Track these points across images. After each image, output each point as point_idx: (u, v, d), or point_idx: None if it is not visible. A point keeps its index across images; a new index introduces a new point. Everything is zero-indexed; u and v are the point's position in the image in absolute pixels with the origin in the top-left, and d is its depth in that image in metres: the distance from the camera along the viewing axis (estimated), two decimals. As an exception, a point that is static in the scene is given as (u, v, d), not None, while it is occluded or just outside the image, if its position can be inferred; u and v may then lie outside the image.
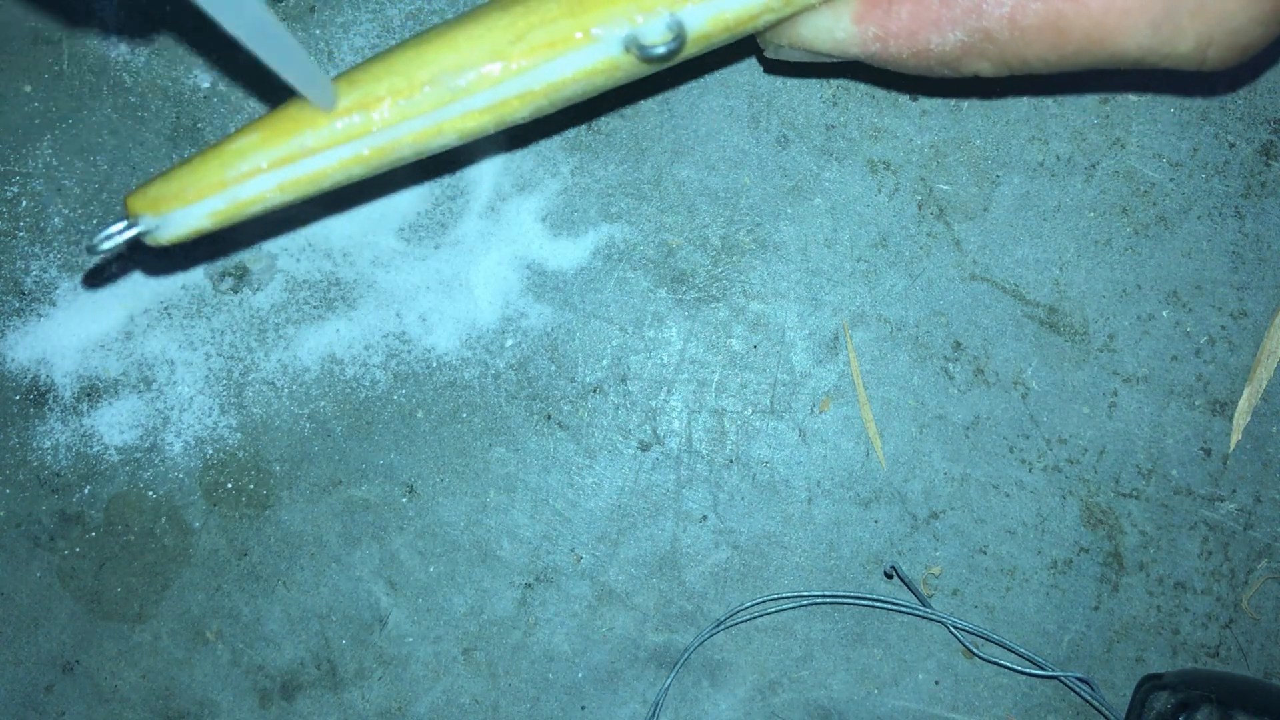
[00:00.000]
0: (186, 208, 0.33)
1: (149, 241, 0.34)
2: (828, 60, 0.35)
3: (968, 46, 0.32)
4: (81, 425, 0.44)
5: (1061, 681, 0.44)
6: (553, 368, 0.45)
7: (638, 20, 0.32)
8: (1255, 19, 0.31)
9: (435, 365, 0.44)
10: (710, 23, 0.33)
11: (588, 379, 0.45)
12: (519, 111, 0.34)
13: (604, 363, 0.45)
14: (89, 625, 0.44)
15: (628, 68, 0.33)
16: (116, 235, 0.33)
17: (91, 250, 0.33)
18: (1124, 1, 0.31)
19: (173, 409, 0.44)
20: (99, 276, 0.43)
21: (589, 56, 0.33)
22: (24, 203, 0.44)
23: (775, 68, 0.44)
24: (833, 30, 0.33)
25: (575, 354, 0.45)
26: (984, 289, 0.44)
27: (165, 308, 0.44)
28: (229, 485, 0.44)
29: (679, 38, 0.33)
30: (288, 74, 0.30)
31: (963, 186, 0.44)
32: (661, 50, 0.33)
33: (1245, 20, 0.31)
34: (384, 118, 0.33)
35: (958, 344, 0.44)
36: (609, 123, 0.44)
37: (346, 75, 0.33)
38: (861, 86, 0.44)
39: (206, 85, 0.44)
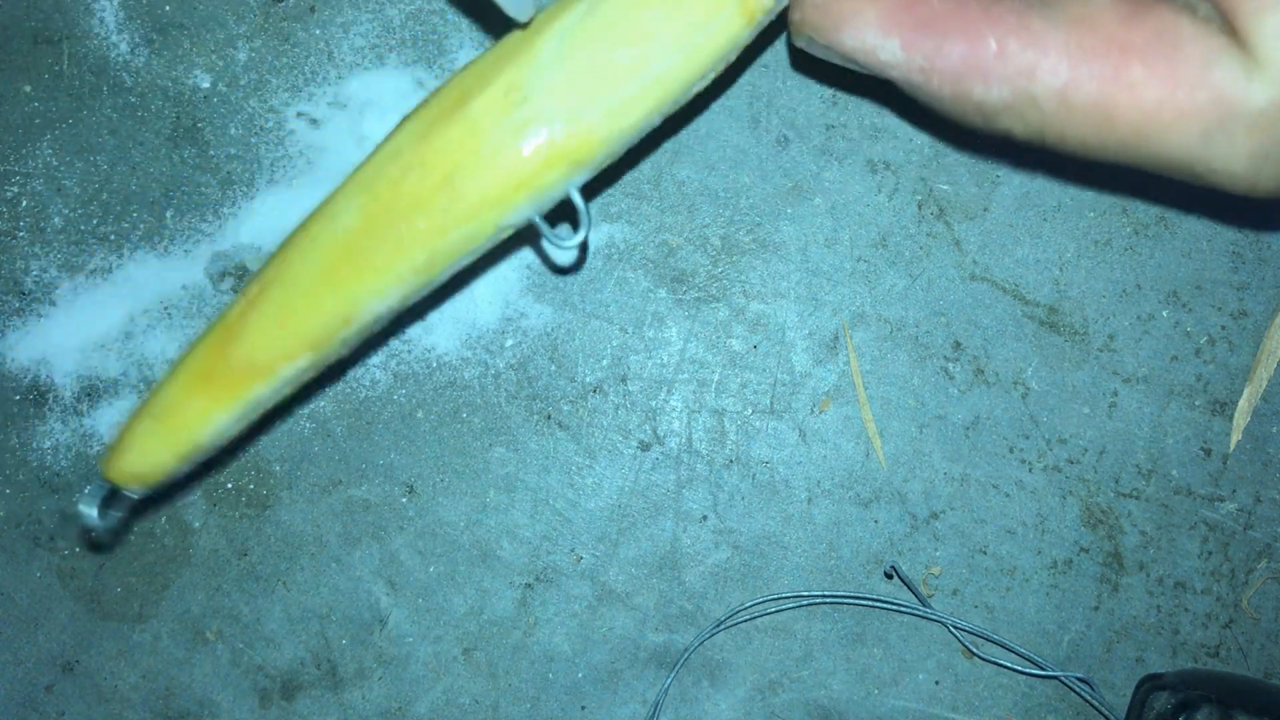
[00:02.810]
0: (171, 474, 0.36)
1: (140, 497, 0.37)
2: (857, 71, 0.34)
3: (1010, 107, 0.31)
4: (81, 425, 0.44)
5: (1061, 681, 0.44)
6: (553, 368, 0.45)
7: (541, 201, 0.33)
8: None
9: (435, 365, 0.44)
10: (599, 170, 0.34)
11: (588, 379, 0.45)
12: (442, 282, 0.36)
13: (604, 363, 0.45)
14: (89, 625, 0.44)
15: (551, 241, 0.34)
16: (111, 508, 0.36)
17: (95, 528, 0.36)
18: (1180, 102, 0.28)
19: (173, 409, 0.44)
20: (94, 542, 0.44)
21: (500, 237, 0.34)
22: (24, 203, 0.44)
23: (797, 59, 0.44)
24: (878, 50, 0.32)
25: (575, 354, 0.45)
26: (984, 289, 0.44)
27: (165, 308, 0.44)
28: (229, 485, 0.44)
29: (581, 206, 0.34)
30: None
31: (963, 186, 0.44)
32: (573, 240, 0.34)
33: None
34: (325, 352, 0.35)
35: (958, 344, 0.44)
36: (609, 123, 0.44)
37: (270, 319, 0.34)
38: (862, 86, 0.44)
39: (206, 85, 0.44)
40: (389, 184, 0.33)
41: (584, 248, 0.41)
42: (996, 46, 0.30)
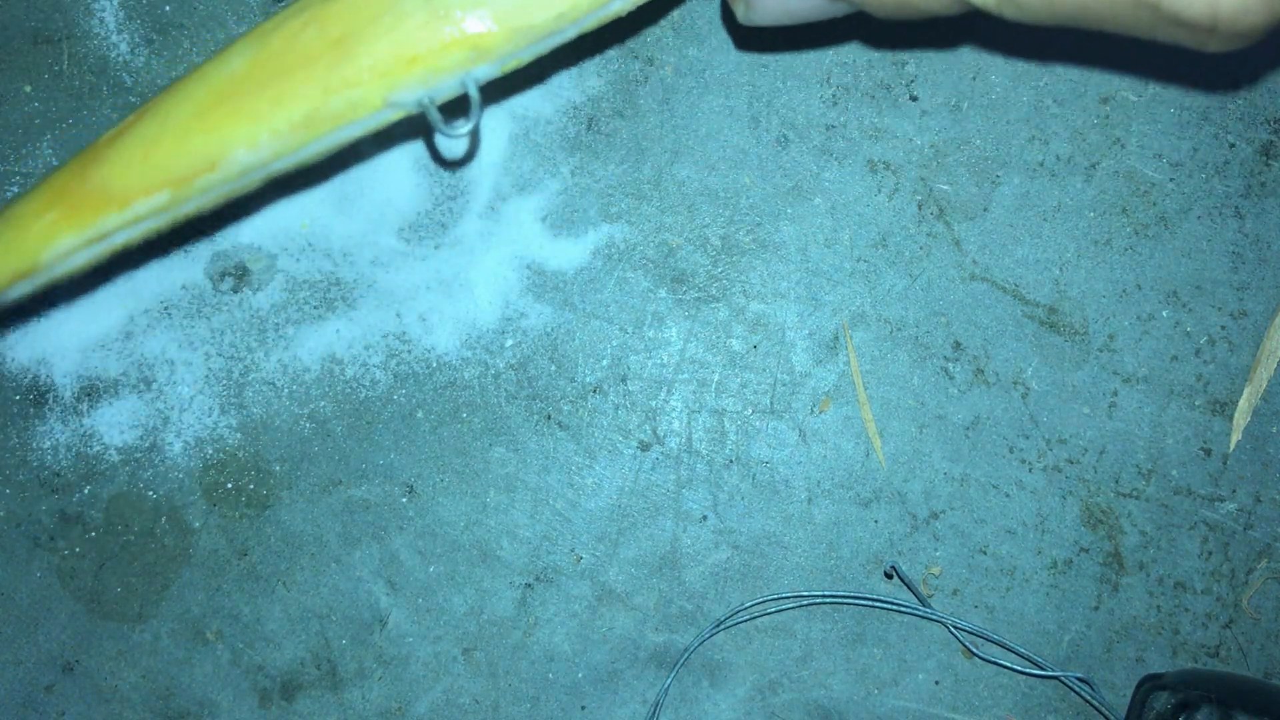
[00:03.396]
0: (4, 291, 0.34)
1: None
2: (806, 10, 0.33)
3: None
4: (81, 425, 0.44)
5: (1061, 681, 0.44)
6: (553, 368, 0.45)
7: (431, 82, 0.32)
8: None
9: (435, 365, 0.44)
10: (503, 71, 0.33)
11: (588, 379, 0.45)
12: (322, 158, 0.34)
13: (604, 363, 0.45)
14: (89, 625, 0.44)
15: (436, 126, 0.33)
16: None
17: None
18: None
19: (173, 409, 0.44)
20: None
21: (385, 116, 0.33)
22: (24, 203, 0.44)
23: (753, 40, 0.43)
24: None
25: (575, 354, 0.45)
26: (984, 289, 0.44)
27: (165, 308, 0.44)
28: (229, 485, 0.44)
29: (476, 99, 0.32)
30: None
31: (963, 186, 0.44)
32: (463, 128, 0.32)
33: None
34: (184, 193, 0.33)
35: (958, 344, 0.44)
36: (609, 123, 0.44)
37: (136, 148, 0.33)
38: (862, 86, 0.44)
39: (206, 85, 0.44)
40: (284, 36, 0.32)
41: (473, 137, 0.39)
42: None
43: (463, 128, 0.32)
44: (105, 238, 0.33)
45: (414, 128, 0.41)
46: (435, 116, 0.32)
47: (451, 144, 0.40)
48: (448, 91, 0.32)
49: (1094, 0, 0.29)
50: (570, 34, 0.33)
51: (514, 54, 0.32)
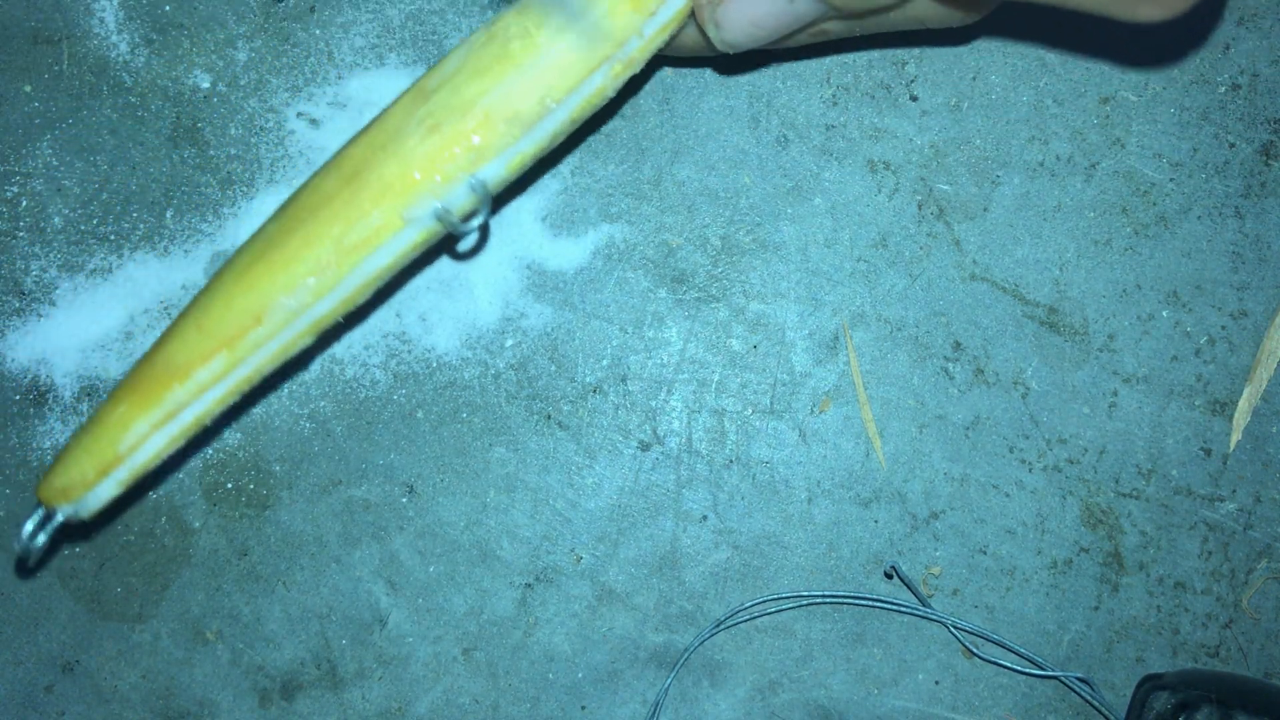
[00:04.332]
0: (94, 489, 0.35)
1: (72, 520, 0.36)
2: (778, 21, 0.33)
3: None
4: (81, 425, 0.44)
5: (1061, 681, 0.44)
6: (553, 368, 0.45)
7: (441, 192, 0.33)
8: None
9: (435, 365, 0.44)
10: (509, 168, 0.34)
11: (588, 379, 0.45)
12: (363, 296, 0.35)
13: (604, 363, 0.45)
14: (89, 625, 0.44)
15: (450, 227, 0.34)
16: (43, 530, 0.35)
17: (27, 552, 0.35)
18: None
19: (173, 409, 0.44)
20: (27, 568, 0.43)
21: (408, 237, 0.34)
22: (24, 202, 0.44)
23: (738, 64, 0.43)
24: None
25: (575, 354, 0.45)
26: (984, 289, 0.44)
27: (165, 307, 0.44)
28: (229, 485, 0.44)
29: (484, 196, 0.34)
30: None
31: (963, 186, 0.44)
32: (473, 223, 0.34)
33: None
34: (240, 353, 0.34)
35: (958, 344, 0.44)
36: (609, 123, 0.44)
37: (190, 322, 0.34)
38: (862, 86, 0.44)
39: (206, 85, 0.44)
40: (307, 189, 0.34)
41: (484, 231, 0.41)
42: None
43: (472, 223, 0.34)
44: (175, 415, 0.35)
45: (438, 249, 0.43)
46: (452, 220, 0.33)
47: (463, 239, 0.42)
48: (461, 198, 0.34)
49: None
50: (563, 121, 0.34)
51: (512, 149, 0.33)
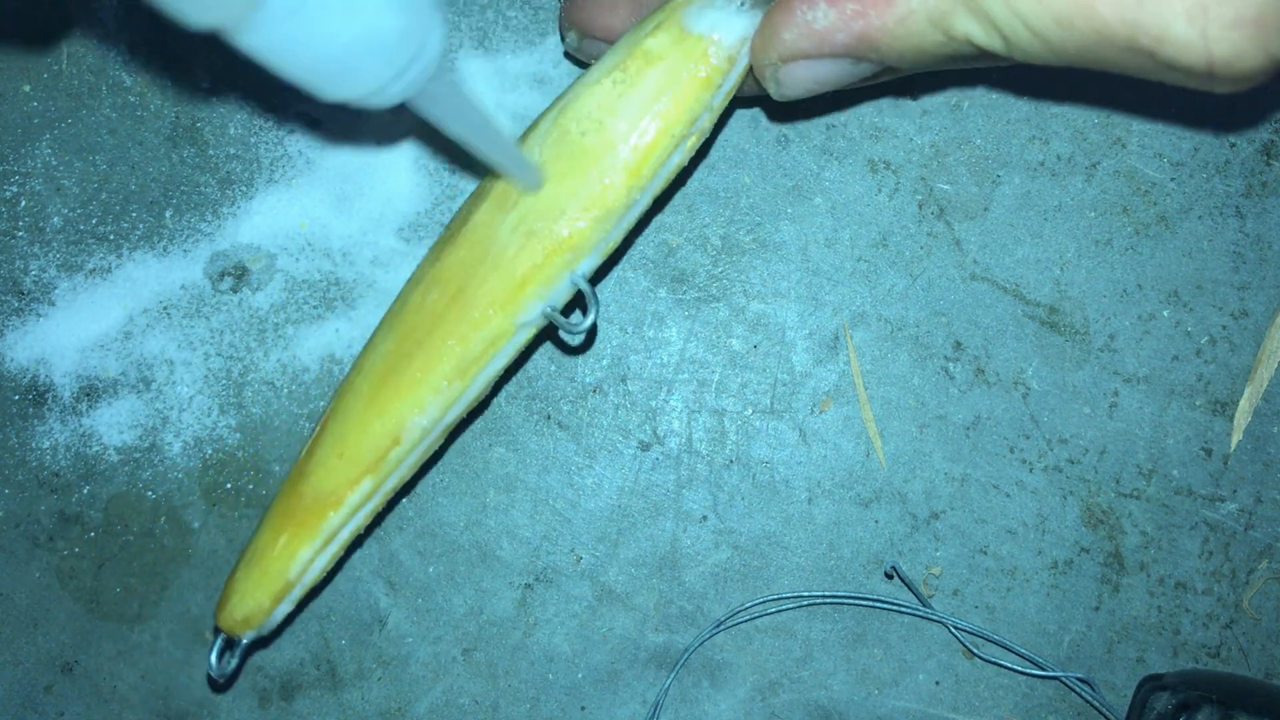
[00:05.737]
0: (271, 615, 0.38)
1: (254, 640, 0.39)
2: (833, 76, 0.34)
3: (955, 5, 0.30)
4: (80, 425, 0.44)
5: (1062, 682, 0.44)
6: (553, 368, 0.45)
7: (546, 294, 0.35)
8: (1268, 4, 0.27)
9: (435, 365, 0.44)
10: (602, 256, 0.36)
11: (588, 379, 0.45)
12: (485, 392, 0.38)
13: (604, 362, 0.45)
14: (88, 625, 0.44)
15: (561, 326, 0.36)
16: (233, 659, 0.39)
17: (224, 676, 0.39)
18: None
19: (172, 409, 0.44)
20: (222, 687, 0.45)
21: (521, 338, 0.36)
22: (23, 202, 0.44)
23: (787, 112, 0.44)
24: (813, 21, 0.32)
25: (575, 354, 0.45)
26: (984, 289, 0.44)
27: (164, 307, 0.44)
28: (228, 485, 0.44)
29: (590, 294, 0.35)
30: (500, 163, 0.34)
31: (963, 186, 0.44)
32: (584, 323, 0.35)
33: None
34: (384, 472, 0.37)
35: (958, 344, 0.44)
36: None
37: (330, 451, 0.37)
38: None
39: (206, 85, 0.44)
40: (412, 308, 0.36)
41: (593, 330, 0.44)
42: None
43: (583, 324, 0.35)
44: (334, 537, 0.38)
45: (545, 333, 0.44)
46: (559, 320, 0.35)
47: (572, 338, 0.44)
48: (563, 294, 0.36)
49: (1096, 45, 0.30)
50: (648, 202, 0.36)
51: (605, 241, 0.35)
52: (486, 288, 0.35)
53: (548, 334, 0.44)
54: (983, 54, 0.32)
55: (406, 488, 0.42)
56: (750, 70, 0.35)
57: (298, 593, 0.38)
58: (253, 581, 0.38)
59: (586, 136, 0.34)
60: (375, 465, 0.36)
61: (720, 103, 0.35)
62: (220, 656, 0.39)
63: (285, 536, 0.37)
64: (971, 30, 0.31)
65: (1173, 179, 0.44)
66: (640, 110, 0.33)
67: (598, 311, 0.35)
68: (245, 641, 0.39)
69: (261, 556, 0.37)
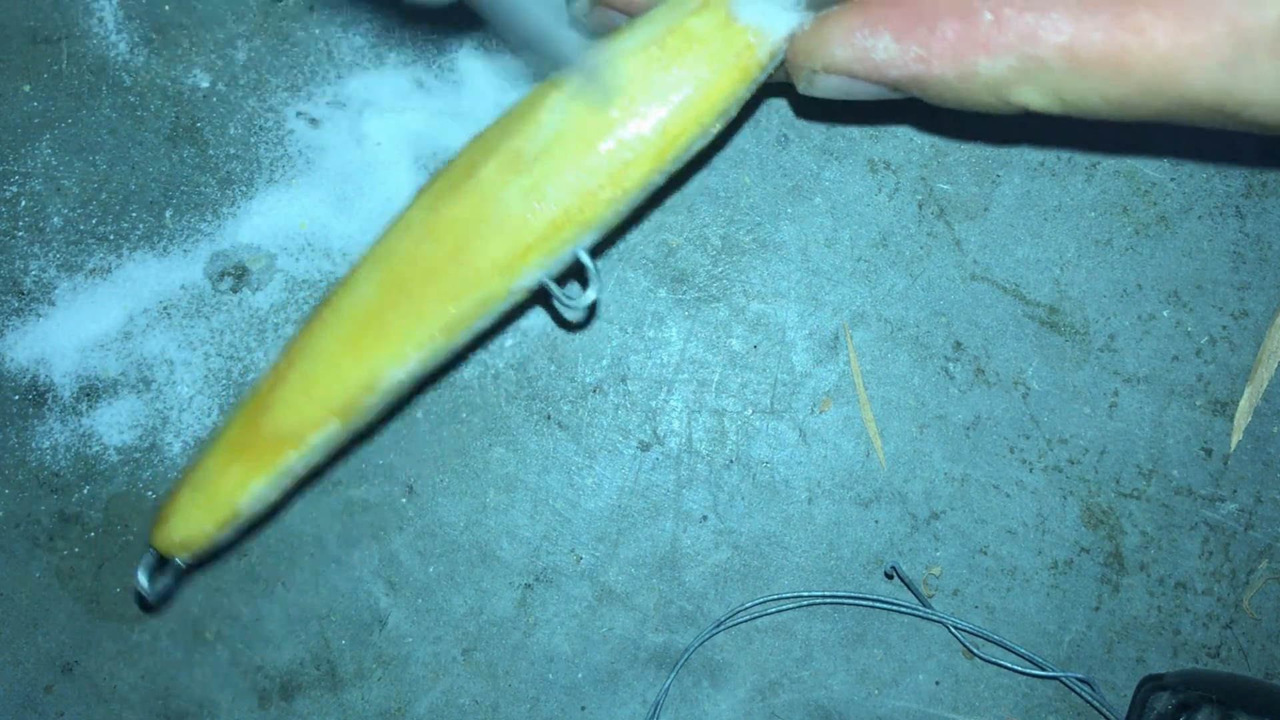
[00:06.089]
0: (213, 540, 0.37)
1: (188, 564, 0.38)
2: (866, 93, 0.33)
3: (1019, 75, 0.29)
4: (80, 425, 0.44)
5: (1062, 682, 0.44)
6: (552, 368, 0.45)
7: (548, 265, 0.34)
8: None
9: (435, 365, 0.44)
10: (602, 234, 0.35)
11: (588, 379, 0.45)
12: (458, 349, 0.36)
13: (604, 363, 0.45)
14: (88, 625, 0.44)
15: (561, 302, 0.35)
16: (163, 580, 0.38)
17: (157, 596, 0.38)
18: (1194, 38, 0.27)
19: (172, 409, 0.44)
20: (151, 607, 0.45)
21: (510, 302, 0.35)
22: (23, 202, 0.44)
23: (809, 109, 0.44)
24: (871, 49, 0.31)
25: (575, 354, 0.45)
26: (984, 289, 0.44)
27: (164, 308, 0.44)
28: (228, 485, 0.44)
29: (593, 271, 0.34)
30: (566, 57, 0.32)
31: (963, 186, 0.44)
32: (584, 300, 0.35)
33: None
34: (352, 418, 0.36)
35: (958, 344, 0.44)
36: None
37: (297, 390, 0.35)
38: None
39: (206, 85, 0.44)
40: (403, 257, 0.34)
41: (592, 307, 0.43)
42: (992, 16, 0.29)
43: (584, 299, 0.34)
44: (288, 472, 0.37)
45: (533, 298, 0.43)
46: (557, 291, 0.34)
47: (571, 312, 0.43)
48: (562, 265, 0.35)
49: (1177, 108, 0.29)
50: (659, 181, 0.35)
51: (616, 216, 0.34)
52: (488, 250, 0.33)
53: (535, 300, 0.44)
54: (1028, 113, 0.31)
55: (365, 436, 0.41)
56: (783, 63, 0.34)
57: (243, 522, 0.37)
58: (198, 506, 0.37)
59: (614, 114, 0.32)
60: (345, 410, 0.35)
61: (749, 93, 0.34)
62: (151, 576, 0.38)
63: (239, 467, 0.36)
64: (1030, 99, 0.30)
65: (1172, 179, 0.44)
66: (673, 92, 0.32)
67: (599, 288, 0.35)
68: (180, 564, 0.38)
69: (210, 483, 0.36)
